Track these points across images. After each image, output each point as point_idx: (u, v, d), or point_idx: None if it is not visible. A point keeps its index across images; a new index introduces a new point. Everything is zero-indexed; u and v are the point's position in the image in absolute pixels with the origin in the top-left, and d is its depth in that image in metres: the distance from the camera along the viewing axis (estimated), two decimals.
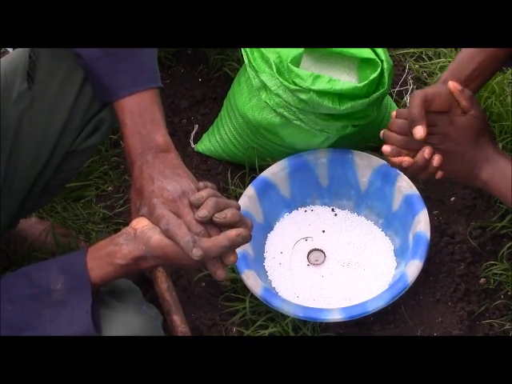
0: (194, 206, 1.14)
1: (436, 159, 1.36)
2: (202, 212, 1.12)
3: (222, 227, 1.14)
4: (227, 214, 1.13)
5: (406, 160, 1.37)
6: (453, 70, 1.42)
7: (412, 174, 1.42)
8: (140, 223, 1.15)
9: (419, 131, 1.33)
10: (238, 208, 1.17)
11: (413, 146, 1.38)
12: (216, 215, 1.13)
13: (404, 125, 1.37)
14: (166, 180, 1.17)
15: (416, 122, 1.34)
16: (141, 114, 1.22)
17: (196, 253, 1.10)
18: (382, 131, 1.43)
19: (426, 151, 1.35)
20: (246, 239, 1.14)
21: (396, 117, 1.41)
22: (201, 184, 1.18)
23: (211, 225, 1.13)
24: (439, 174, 1.39)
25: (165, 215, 1.13)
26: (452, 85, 1.37)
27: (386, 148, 1.40)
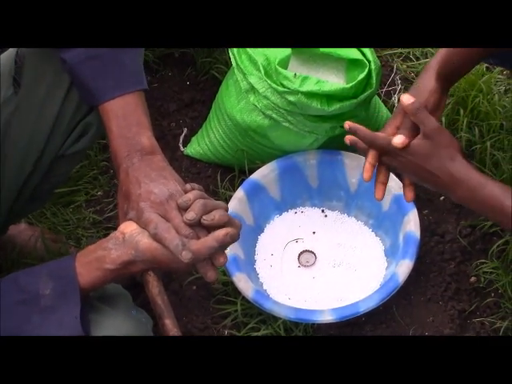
0: (182, 209, 1.14)
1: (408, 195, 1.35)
2: (190, 214, 1.12)
3: (211, 229, 1.14)
4: (215, 216, 1.13)
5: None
6: (438, 64, 1.37)
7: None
8: (128, 227, 1.14)
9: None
10: (226, 209, 1.17)
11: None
12: (204, 217, 1.13)
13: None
14: (152, 183, 1.16)
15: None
16: (125, 117, 1.21)
17: (186, 256, 1.10)
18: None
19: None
20: (234, 238, 1.14)
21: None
22: (188, 186, 1.17)
23: (200, 227, 1.13)
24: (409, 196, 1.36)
25: (153, 219, 1.13)
26: (403, 99, 1.29)
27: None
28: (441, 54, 1.38)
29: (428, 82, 1.36)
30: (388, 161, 1.32)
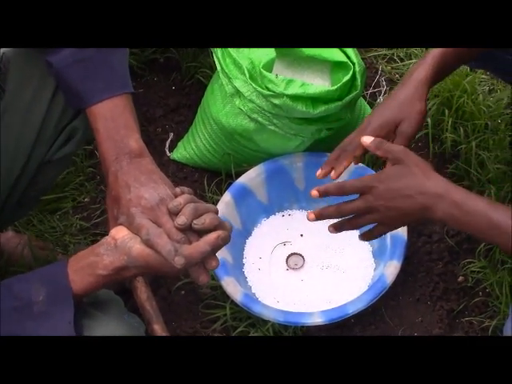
0: (173, 213, 1.14)
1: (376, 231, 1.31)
2: (181, 219, 1.12)
3: (202, 232, 1.14)
4: (206, 220, 1.13)
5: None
6: (433, 59, 1.37)
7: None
8: (119, 233, 1.14)
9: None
10: (216, 212, 1.17)
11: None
12: (195, 221, 1.13)
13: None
14: (142, 187, 1.16)
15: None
16: (114, 120, 1.21)
17: (178, 261, 1.10)
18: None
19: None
20: (225, 241, 1.14)
21: None
22: (177, 190, 1.17)
23: (191, 231, 1.13)
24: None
25: (144, 224, 1.13)
26: (363, 140, 1.32)
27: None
28: (434, 52, 1.38)
29: (419, 108, 1.36)
30: (364, 201, 1.27)
